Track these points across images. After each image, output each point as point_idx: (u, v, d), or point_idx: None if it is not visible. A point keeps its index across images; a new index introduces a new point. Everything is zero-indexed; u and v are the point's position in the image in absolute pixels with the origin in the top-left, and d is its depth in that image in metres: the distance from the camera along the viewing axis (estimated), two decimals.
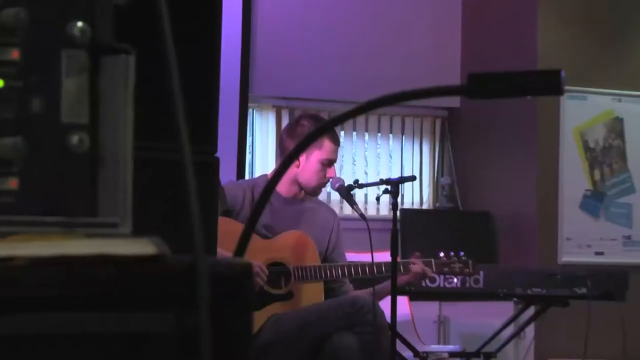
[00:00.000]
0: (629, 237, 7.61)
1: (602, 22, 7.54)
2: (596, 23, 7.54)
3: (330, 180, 5.77)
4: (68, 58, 0.96)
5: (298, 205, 5.74)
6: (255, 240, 5.19)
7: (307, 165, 5.50)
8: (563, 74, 1.15)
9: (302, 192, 5.69)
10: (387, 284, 5.37)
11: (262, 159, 7.32)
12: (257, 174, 6.97)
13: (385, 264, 5.42)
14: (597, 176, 7.61)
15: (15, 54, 0.94)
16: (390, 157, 7.92)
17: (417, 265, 5.51)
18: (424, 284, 5.78)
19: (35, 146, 0.96)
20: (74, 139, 0.96)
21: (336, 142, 5.57)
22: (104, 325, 0.91)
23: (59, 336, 0.90)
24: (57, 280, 0.89)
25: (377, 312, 5.26)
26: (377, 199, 6.05)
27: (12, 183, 0.94)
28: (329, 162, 5.50)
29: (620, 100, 7.58)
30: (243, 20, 7.04)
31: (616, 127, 7.61)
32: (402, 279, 5.48)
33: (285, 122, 6.58)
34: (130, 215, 0.97)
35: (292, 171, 5.55)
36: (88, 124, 0.97)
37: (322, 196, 6.29)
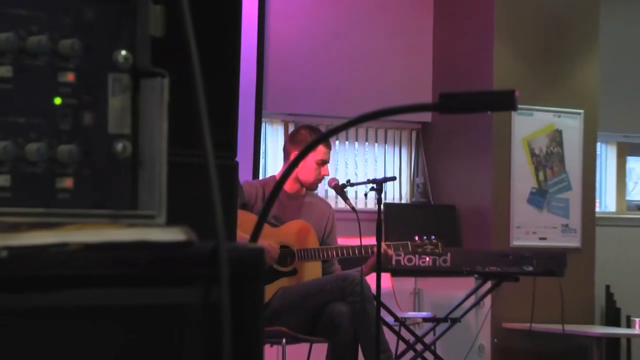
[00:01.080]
0: (566, 225, 8.01)
1: (545, 52, 7.89)
2: (540, 53, 7.89)
3: (327, 180, 5.93)
4: (114, 80, 0.96)
5: (300, 200, 5.86)
6: (266, 228, 5.37)
7: (305, 165, 5.62)
8: (517, 93, 1.18)
9: (304, 188, 5.78)
10: (370, 262, 5.58)
11: (272, 163, 7.69)
12: (267, 175, 7.31)
13: (371, 246, 5.58)
14: (541, 177, 7.93)
15: (70, 77, 0.93)
16: (376, 161, 8.18)
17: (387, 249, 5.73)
18: (402, 263, 5.88)
19: (87, 152, 0.95)
20: (119, 146, 0.96)
21: (328, 146, 5.76)
22: (142, 299, 0.91)
23: (105, 308, 0.90)
24: (104, 262, 0.89)
25: (364, 286, 5.40)
26: (365, 195, 6.46)
27: (68, 182, 0.93)
28: (322, 162, 5.64)
29: (559, 116, 7.93)
30: (258, 53, 7.35)
31: (556, 137, 7.95)
32: (372, 260, 5.63)
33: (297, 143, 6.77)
34: (165, 208, 0.97)
35: (294, 171, 5.61)
36: (130, 134, 0.97)
37: (320, 193, 6.59)
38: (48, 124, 0.93)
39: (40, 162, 0.92)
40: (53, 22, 0.93)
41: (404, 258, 5.91)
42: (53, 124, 0.93)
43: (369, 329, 5.42)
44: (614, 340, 7.70)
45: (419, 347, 6.26)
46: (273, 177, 6.39)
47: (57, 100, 0.93)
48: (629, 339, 7.70)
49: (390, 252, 5.73)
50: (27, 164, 0.92)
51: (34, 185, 0.92)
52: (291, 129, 7.39)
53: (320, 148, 5.65)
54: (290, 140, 6.01)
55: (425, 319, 6.78)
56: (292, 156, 5.79)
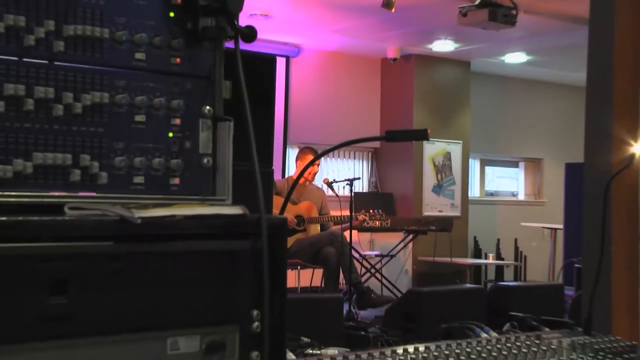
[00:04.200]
0: (453, 204, 8.81)
1: (441, 108, 8.72)
2: (438, 109, 8.71)
3: (322, 179, 6.33)
4: (202, 123, 0.97)
5: (306, 188, 6.21)
6: (289, 206, 5.81)
7: (308, 170, 5.94)
8: (429, 131, 1.23)
9: (307, 181, 6.11)
10: (346, 225, 5.90)
11: (290, 170, 8.03)
12: (287, 176, 7.68)
13: (347, 216, 5.92)
14: (439, 177, 8.75)
15: (177, 121, 0.95)
16: (349, 169, 8.80)
17: (361, 216, 6.13)
18: (364, 224, 6.25)
19: (187, 163, 0.96)
20: (205, 160, 0.97)
21: (316, 155, 6.09)
22: (218, 246, 0.89)
23: (198, 251, 0.87)
24: (196, 225, 0.87)
25: (343, 237, 5.86)
26: (344, 187, 6.61)
27: (176, 180, 0.95)
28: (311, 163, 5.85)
29: (449, 144, 8.80)
30: (285, 105, 7.94)
31: (447, 156, 8.80)
32: (355, 223, 6.04)
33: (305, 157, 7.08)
34: (230, 195, 0.97)
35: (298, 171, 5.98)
36: (211, 153, 0.97)
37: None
38: (165, 147, 0.95)
39: (161, 169, 0.94)
40: (168, 90, 0.95)
41: (365, 221, 6.22)
42: (168, 148, 0.95)
43: (345, 261, 5.95)
44: (478, 266, 8.58)
45: (372, 271, 6.82)
46: (291, 177, 6.95)
47: (170, 134, 0.95)
48: (485, 265, 8.69)
49: (361, 217, 6.09)
50: (153, 170, 0.94)
51: (157, 182, 0.94)
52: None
53: (310, 156, 6.10)
54: (298, 156, 6.46)
55: (376, 255, 7.30)
56: (298, 164, 6.39)
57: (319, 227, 6.07)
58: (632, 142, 1.95)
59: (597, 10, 2.34)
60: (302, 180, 5.91)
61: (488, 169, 10.05)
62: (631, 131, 1.95)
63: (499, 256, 8.95)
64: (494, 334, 1.55)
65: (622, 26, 1.98)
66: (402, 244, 7.10)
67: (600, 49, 2.22)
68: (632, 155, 1.91)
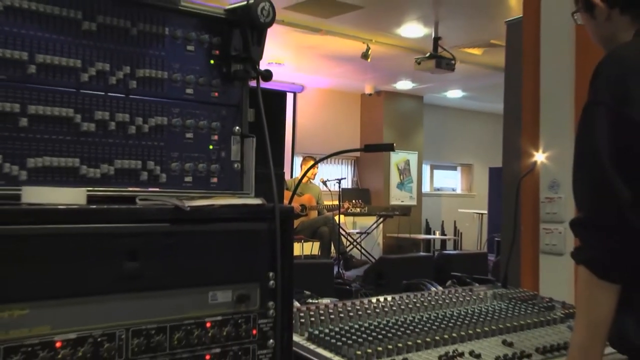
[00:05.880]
0: (411, 196, 8.72)
1: (401, 129, 8.58)
2: (401, 130, 8.54)
3: (319, 179, 6.29)
4: (233, 139, 0.94)
5: (308, 185, 6.09)
6: (295, 198, 5.69)
7: (309, 172, 5.93)
8: (395, 144, 1.22)
9: (309, 180, 5.94)
10: (336, 211, 5.97)
11: (296, 172, 7.81)
12: (294, 176, 7.63)
13: (337, 205, 5.96)
14: (401, 178, 8.67)
15: (216, 137, 0.92)
16: (338, 171, 8.67)
17: (346, 204, 6.12)
18: (348, 211, 6.18)
19: (222, 168, 0.92)
20: (235, 165, 0.94)
21: (314, 162, 5.93)
22: (244, 227, 0.85)
23: (229, 230, 0.84)
24: (229, 212, 0.84)
25: (334, 220, 5.84)
26: (334, 184, 6.46)
27: (214, 180, 0.92)
28: (311, 167, 6.02)
29: (408, 154, 8.74)
30: (292, 123, 7.91)
31: (407, 163, 8.73)
32: (342, 210, 6.06)
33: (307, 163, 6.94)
34: (253, 190, 0.94)
35: (305, 174, 6.11)
36: (240, 160, 0.94)
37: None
38: (207, 156, 0.92)
39: (204, 171, 0.92)
40: (209, 115, 0.92)
41: (349, 208, 6.23)
42: (209, 156, 0.92)
43: (335, 237, 6.03)
44: (428, 240, 8.42)
45: (354, 243, 6.78)
46: (297, 177, 6.92)
47: (210, 147, 0.92)
48: (434, 239, 8.51)
49: (346, 205, 6.15)
50: (198, 172, 0.91)
51: (201, 181, 0.92)
52: (306, 160, 7.58)
53: (310, 162, 6.21)
54: (302, 162, 6.58)
55: (357, 233, 7.28)
56: (302, 168, 6.53)
57: (317, 213, 6.06)
58: (534, 153, 1.97)
59: (510, 62, 2.38)
60: (305, 179, 5.89)
61: (435, 172, 10.08)
62: (534, 146, 1.96)
63: (443, 233, 8.93)
64: (440, 288, 1.55)
65: (527, 73, 2.00)
66: (375, 225, 7.10)
67: (513, 88, 2.23)
68: (534, 163, 1.92)
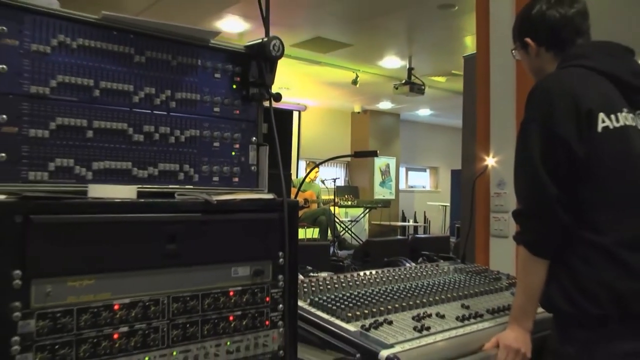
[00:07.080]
0: (390, 192, 8.44)
1: (382, 139, 8.45)
2: (384, 141, 8.48)
3: (319, 178, 6.30)
4: (251, 147, 0.90)
5: (310, 184, 6.11)
6: (300, 193, 5.89)
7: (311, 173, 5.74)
8: (378, 151, 1.21)
9: (311, 180, 5.95)
10: (332, 204, 5.98)
11: (301, 173, 7.68)
12: (299, 176, 7.61)
13: (332, 199, 6.00)
14: (383, 178, 8.45)
15: (237, 146, 0.87)
16: (334, 172, 8.64)
17: (339, 199, 6.06)
18: (342, 203, 6.27)
19: (242, 169, 0.86)
20: (252, 167, 0.90)
21: (315, 165, 5.61)
22: (259, 216, 0.82)
23: (246, 219, 0.80)
24: (247, 204, 0.81)
25: (330, 211, 5.84)
26: (331, 182, 6.47)
27: (236, 179, 0.86)
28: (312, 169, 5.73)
29: (388, 159, 8.65)
30: (298, 134, 7.83)
31: (387, 166, 8.61)
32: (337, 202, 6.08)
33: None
34: (267, 187, 0.91)
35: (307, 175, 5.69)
36: (256, 164, 0.91)
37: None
38: (230, 161, 0.89)
39: (228, 173, 0.88)
40: (232, 129, 0.89)
41: (342, 201, 6.34)
42: (232, 161, 0.89)
43: (331, 224, 6.12)
44: (404, 227, 8.35)
45: (347, 229, 6.66)
46: (301, 177, 6.95)
47: (233, 153, 0.88)
48: (408, 226, 8.38)
49: (340, 199, 6.36)
50: (223, 173, 0.88)
51: (225, 180, 0.88)
52: (310, 165, 7.56)
53: (315, 168, 6.14)
54: (306, 165, 6.90)
55: (349, 221, 7.17)
56: (306, 170, 6.61)
57: (317, 205, 6.06)
58: (486, 158, 1.98)
59: (467, 87, 2.41)
60: (307, 179, 5.96)
61: (410, 173, 10.13)
62: (486, 152, 1.97)
63: (415, 221, 8.92)
64: (413, 264, 1.55)
65: (480, 97, 2.02)
66: (362, 214, 7.20)
67: (469, 108, 2.27)
68: (486, 166, 1.93)
